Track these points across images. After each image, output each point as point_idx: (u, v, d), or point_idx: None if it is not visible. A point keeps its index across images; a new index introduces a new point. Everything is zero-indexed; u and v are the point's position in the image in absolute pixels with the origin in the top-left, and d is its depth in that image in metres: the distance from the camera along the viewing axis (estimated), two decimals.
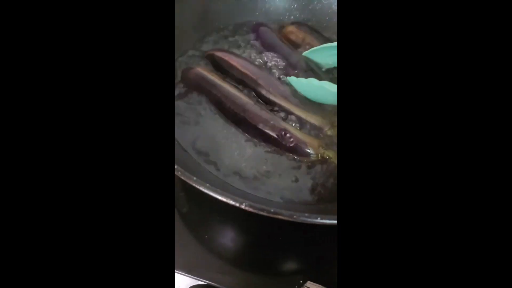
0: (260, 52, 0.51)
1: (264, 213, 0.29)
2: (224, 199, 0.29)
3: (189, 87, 0.47)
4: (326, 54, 0.48)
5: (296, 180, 0.40)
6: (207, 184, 0.30)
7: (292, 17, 0.58)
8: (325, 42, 0.49)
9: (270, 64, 0.50)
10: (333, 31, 0.56)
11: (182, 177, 0.31)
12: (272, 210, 0.29)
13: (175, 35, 0.32)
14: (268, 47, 0.52)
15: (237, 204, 0.29)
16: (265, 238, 0.43)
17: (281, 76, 0.49)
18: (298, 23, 0.56)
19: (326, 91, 0.43)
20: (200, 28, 0.54)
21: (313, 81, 0.43)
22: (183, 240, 0.42)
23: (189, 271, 0.40)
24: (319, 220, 0.29)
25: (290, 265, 0.42)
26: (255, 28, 0.55)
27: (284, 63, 0.50)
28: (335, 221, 0.29)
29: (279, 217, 0.29)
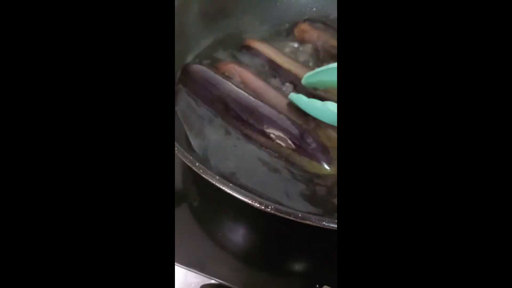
0: None
1: (291, 217, 0.27)
2: (249, 201, 0.28)
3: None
4: (326, 76, 0.45)
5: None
6: (231, 184, 0.29)
7: (314, 8, 0.56)
8: None
9: None
10: None
11: (204, 175, 0.30)
12: (300, 215, 0.27)
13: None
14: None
15: (263, 207, 0.28)
16: (278, 237, 0.42)
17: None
18: (311, 20, 0.54)
19: (329, 112, 0.40)
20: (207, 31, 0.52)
21: (315, 102, 0.41)
22: (196, 238, 0.42)
23: (201, 269, 0.40)
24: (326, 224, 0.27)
25: (304, 267, 0.41)
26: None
27: None
28: None
29: (307, 222, 0.28)
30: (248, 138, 0.41)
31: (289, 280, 0.40)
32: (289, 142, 0.39)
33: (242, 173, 0.39)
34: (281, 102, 0.43)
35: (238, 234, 0.43)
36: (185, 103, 0.45)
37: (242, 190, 0.29)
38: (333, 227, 0.28)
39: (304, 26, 0.53)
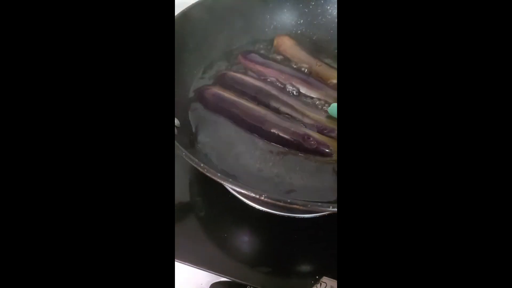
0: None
1: (281, 203, 0.32)
2: (244, 191, 0.33)
3: (207, 107, 0.51)
4: None
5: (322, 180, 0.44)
6: (230, 180, 0.34)
7: (299, 31, 0.62)
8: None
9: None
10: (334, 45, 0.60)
11: (208, 174, 0.34)
12: (288, 200, 0.32)
13: None
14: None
15: (257, 196, 0.32)
16: (282, 236, 0.46)
17: (287, 87, 0.53)
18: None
19: None
20: (206, 52, 0.57)
21: None
22: (204, 239, 0.45)
23: (210, 267, 0.43)
24: (331, 209, 0.32)
25: (306, 262, 0.45)
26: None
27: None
28: None
29: (295, 206, 0.32)
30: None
31: (293, 273, 0.43)
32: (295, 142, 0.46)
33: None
34: None
35: (241, 235, 0.47)
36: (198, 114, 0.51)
37: (239, 183, 0.34)
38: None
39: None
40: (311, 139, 0.45)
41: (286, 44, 0.59)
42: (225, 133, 0.49)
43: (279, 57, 0.58)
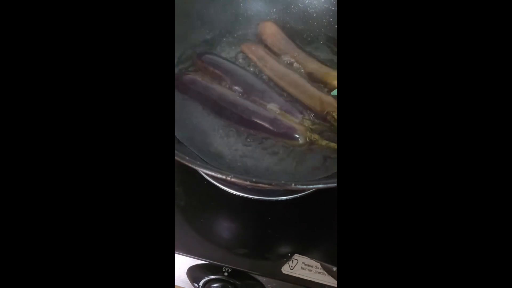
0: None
1: (248, 183, 0.33)
2: (213, 173, 0.34)
3: (183, 91, 0.51)
4: None
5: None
6: (198, 162, 0.35)
7: (271, 19, 0.63)
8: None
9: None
10: (308, 33, 0.62)
11: (177, 158, 0.35)
12: (253, 180, 0.33)
13: None
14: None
15: (224, 177, 0.34)
16: (257, 219, 0.48)
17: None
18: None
19: None
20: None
21: None
22: (181, 224, 0.47)
23: (187, 251, 0.44)
24: (294, 186, 0.33)
25: (280, 242, 0.47)
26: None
27: None
28: (309, 186, 0.34)
29: (260, 185, 0.34)
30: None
31: (268, 253, 0.45)
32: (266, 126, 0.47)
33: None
34: None
35: (217, 219, 0.49)
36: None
37: (208, 166, 0.35)
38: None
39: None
40: (279, 122, 0.46)
41: (269, 31, 0.59)
42: (196, 118, 0.49)
43: (241, 59, 0.58)
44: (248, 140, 0.48)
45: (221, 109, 0.48)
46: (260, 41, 0.59)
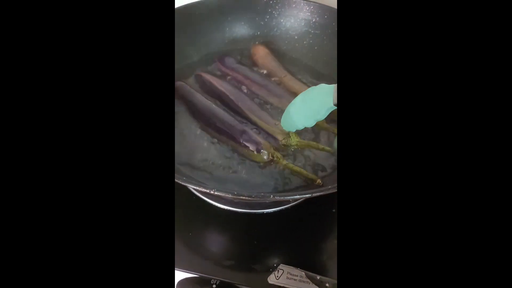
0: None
1: (229, 196, 0.36)
2: (198, 188, 0.36)
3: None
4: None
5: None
6: (184, 178, 0.37)
7: (256, 42, 0.67)
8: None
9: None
10: (291, 54, 0.66)
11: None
12: (235, 192, 0.36)
13: None
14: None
15: (208, 190, 0.36)
16: (243, 231, 0.49)
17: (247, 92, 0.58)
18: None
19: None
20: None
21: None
22: None
23: (177, 265, 0.46)
24: (273, 197, 0.36)
25: (266, 253, 0.48)
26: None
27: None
28: (286, 197, 0.36)
29: (242, 198, 0.36)
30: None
31: (254, 264, 0.47)
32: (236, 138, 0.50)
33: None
34: None
35: (205, 232, 0.50)
36: None
37: (193, 181, 0.37)
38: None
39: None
40: (246, 134, 0.49)
41: (260, 53, 0.64)
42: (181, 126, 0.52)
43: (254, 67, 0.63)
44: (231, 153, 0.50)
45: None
46: (252, 62, 0.64)
